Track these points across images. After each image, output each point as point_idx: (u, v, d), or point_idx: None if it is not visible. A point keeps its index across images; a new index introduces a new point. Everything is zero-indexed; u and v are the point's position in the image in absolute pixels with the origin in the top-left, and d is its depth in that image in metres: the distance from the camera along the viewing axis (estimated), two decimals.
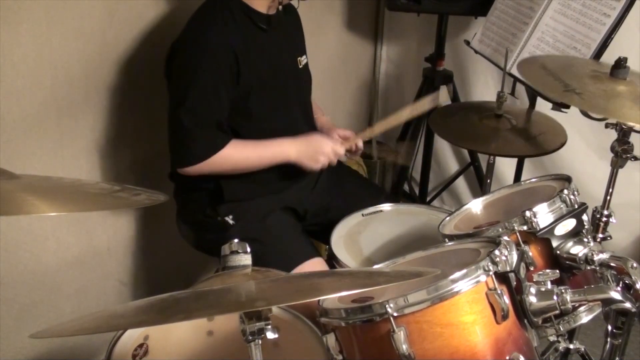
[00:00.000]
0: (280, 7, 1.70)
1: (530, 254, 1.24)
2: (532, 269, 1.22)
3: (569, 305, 1.11)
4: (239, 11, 1.62)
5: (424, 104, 1.88)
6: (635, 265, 1.22)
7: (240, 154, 1.66)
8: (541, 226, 1.27)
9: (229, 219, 1.72)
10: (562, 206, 1.31)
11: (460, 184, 2.94)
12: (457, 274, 1.05)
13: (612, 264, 1.27)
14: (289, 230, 1.77)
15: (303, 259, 1.67)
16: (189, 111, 1.56)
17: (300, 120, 1.80)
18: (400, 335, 1.04)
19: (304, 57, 1.83)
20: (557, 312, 1.12)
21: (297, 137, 1.73)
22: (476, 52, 2.18)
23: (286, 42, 1.77)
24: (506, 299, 1.07)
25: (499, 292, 1.07)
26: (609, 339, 1.39)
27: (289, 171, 1.75)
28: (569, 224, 1.30)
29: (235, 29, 1.60)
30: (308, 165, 1.72)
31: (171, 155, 1.67)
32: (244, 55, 1.59)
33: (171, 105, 1.61)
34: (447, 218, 1.51)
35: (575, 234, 1.30)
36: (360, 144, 1.86)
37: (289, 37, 1.79)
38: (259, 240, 1.64)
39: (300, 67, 1.81)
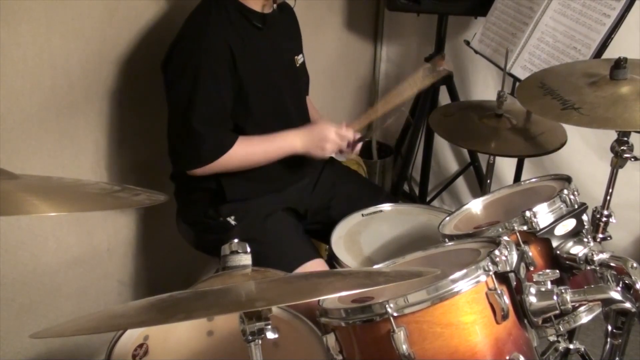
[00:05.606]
0: (275, 5, 1.70)
1: (530, 254, 1.24)
2: (532, 269, 1.22)
3: (569, 305, 1.11)
4: (234, 10, 1.62)
5: (420, 76, 1.85)
6: (635, 265, 1.22)
7: (246, 151, 1.66)
8: (541, 226, 1.27)
9: (231, 220, 1.72)
10: (562, 206, 1.31)
11: (460, 184, 2.93)
12: (457, 274, 1.05)
13: (612, 264, 1.27)
14: (290, 231, 1.77)
15: (304, 260, 1.67)
16: (198, 114, 1.56)
17: (295, 120, 1.80)
18: (400, 335, 1.04)
19: (301, 56, 1.83)
20: (557, 312, 1.12)
21: (300, 127, 1.73)
22: (476, 52, 2.18)
23: (282, 41, 1.77)
24: (506, 299, 1.07)
25: (499, 292, 1.07)
26: (609, 339, 1.39)
27: (290, 169, 1.75)
28: (569, 224, 1.30)
29: (231, 28, 1.60)
30: (315, 153, 1.72)
31: (177, 157, 1.67)
32: (240, 53, 1.59)
33: (177, 107, 1.61)
34: (447, 218, 1.51)
35: (575, 234, 1.30)
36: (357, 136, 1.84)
37: (285, 35, 1.79)
38: (260, 241, 1.63)
39: (297, 65, 1.81)
